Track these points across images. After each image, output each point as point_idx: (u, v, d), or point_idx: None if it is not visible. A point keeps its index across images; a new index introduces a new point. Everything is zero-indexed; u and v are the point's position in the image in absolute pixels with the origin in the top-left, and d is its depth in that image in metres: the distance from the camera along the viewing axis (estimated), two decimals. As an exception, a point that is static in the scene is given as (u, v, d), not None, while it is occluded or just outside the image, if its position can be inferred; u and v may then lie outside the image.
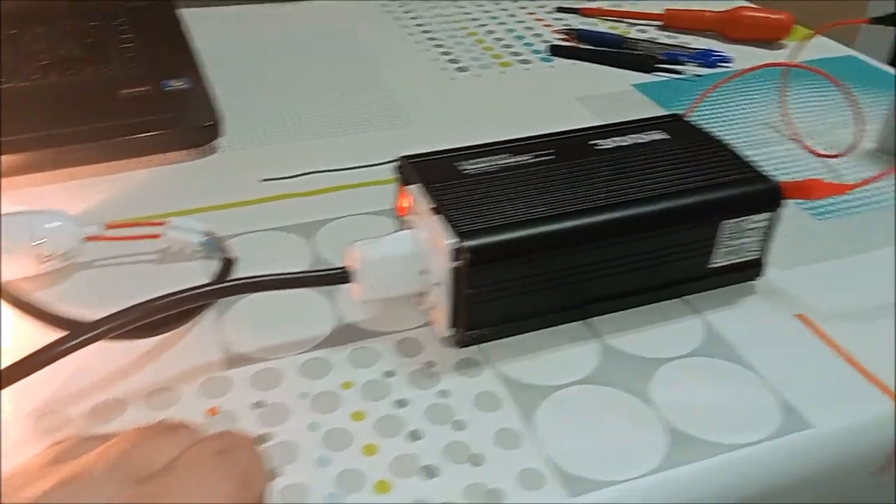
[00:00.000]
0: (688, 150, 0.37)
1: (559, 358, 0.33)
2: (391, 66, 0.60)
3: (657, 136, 0.38)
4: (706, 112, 0.54)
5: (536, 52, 0.63)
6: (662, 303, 0.36)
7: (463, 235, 0.31)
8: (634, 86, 0.58)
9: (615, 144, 0.37)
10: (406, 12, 0.71)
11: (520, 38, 0.66)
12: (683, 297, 0.36)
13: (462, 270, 0.31)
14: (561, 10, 0.71)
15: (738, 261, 0.36)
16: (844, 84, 0.50)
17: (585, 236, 0.32)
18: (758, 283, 0.37)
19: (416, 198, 0.34)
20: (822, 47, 0.64)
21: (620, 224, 0.33)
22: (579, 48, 0.63)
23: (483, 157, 0.36)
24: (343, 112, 0.53)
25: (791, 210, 0.43)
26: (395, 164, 0.36)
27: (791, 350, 0.34)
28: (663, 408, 0.31)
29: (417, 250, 0.32)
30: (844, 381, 0.32)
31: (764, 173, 0.35)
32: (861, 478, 0.32)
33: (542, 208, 0.33)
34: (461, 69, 0.60)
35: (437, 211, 0.32)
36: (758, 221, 0.35)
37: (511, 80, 0.58)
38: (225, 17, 0.68)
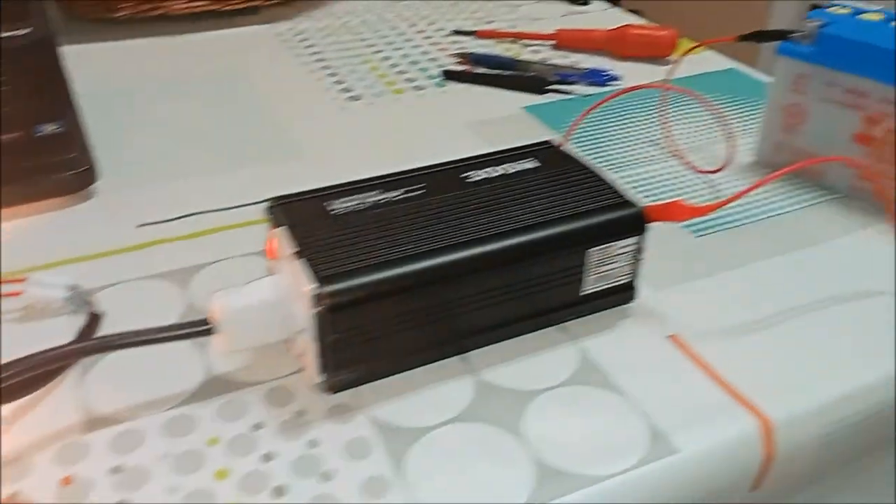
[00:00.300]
0: (555, 178, 0.37)
1: (433, 396, 0.33)
2: (281, 98, 0.59)
3: (527, 164, 0.38)
4: (593, 132, 0.55)
5: (431, 77, 0.63)
6: (539, 331, 0.36)
7: (323, 280, 0.30)
8: (525, 108, 0.58)
9: (484, 176, 0.37)
10: (302, 41, 0.70)
11: (415, 63, 0.66)
12: (559, 325, 0.37)
13: (324, 316, 0.30)
14: (457, 32, 0.72)
15: (609, 286, 0.36)
16: (710, 101, 0.51)
17: (451, 272, 0.32)
18: (634, 305, 0.38)
19: (281, 241, 0.33)
20: (707, 61, 0.66)
21: (486, 258, 0.33)
22: (471, 72, 0.63)
23: (352, 195, 0.35)
24: (229, 148, 0.52)
25: (671, 228, 0.44)
26: (265, 205, 0.35)
27: (662, 373, 0.34)
28: (533, 442, 0.31)
29: (280, 297, 0.31)
30: (712, 401, 0.33)
31: (629, 198, 0.36)
32: (739, 496, 0.33)
33: (407, 246, 0.32)
34: (353, 98, 0.60)
35: (299, 255, 0.32)
36: (625, 246, 0.35)
37: (403, 108, 0.58)
38: (111, 53, 0.67)
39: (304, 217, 0.34)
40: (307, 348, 0.32)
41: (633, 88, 0.47)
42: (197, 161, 0.50)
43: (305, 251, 0.32)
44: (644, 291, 0.39)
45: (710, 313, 0.38)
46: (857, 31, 0.43)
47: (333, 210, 0.34)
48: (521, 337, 0.36)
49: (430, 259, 0.32)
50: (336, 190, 0.36)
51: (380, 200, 0.35)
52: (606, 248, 0.35)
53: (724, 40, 0.48)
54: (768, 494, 0.35)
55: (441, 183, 0.37)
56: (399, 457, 0.30)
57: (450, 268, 0.32)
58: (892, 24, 0.44)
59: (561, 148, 0.40)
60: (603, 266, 0.35)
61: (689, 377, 0.34)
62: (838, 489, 0.39)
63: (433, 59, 0.67)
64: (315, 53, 0.68)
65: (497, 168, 0.38)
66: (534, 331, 0.36)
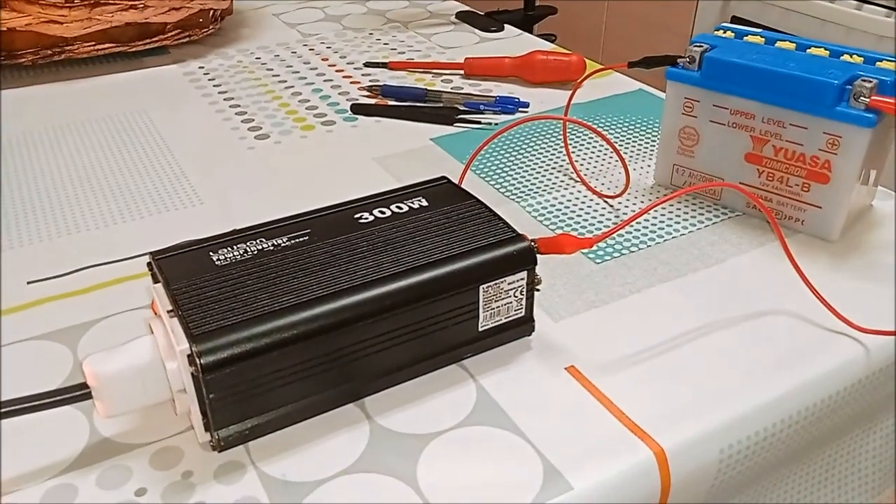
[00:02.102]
0: (447, 215, 0.37)
1: (327, 448, 0.32)
2: (186, 141, 0.58)
3: (419, 202, 0.38)
4: (499, 161, 0.55)
5: (341, 111, 0.63)
6: (439, 371, 0.36)
7: (196, 339, 0.29)
8: (434, 140, 0.58)
9: (375, 217, 0.37)
10: (211, 80, 0.69)
11: (325, 98, 0.66)
12: (459, 363, 0.36)
13: (200, 376, 0.29)
14: (368, 65, 0.72)
15: (505, 320, 0.36)
16: (602, 132, 0.52)
17: (338, 319, 0.32)
18: (533, 337, 0.38)
19: (159, 297, 0.32)
20: (616, 84, 0.67)
21: (374, 302, 0.32)
22: (380, 105, 0.63)
23: (236, 244, 0.35)
24: (127, 196, 0.51)
25: (570, 256, 0.44)
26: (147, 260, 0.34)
27: (557, 407, 0.34)
28: (426, 490, 0.30)
29: (155, 358, 0.30)
30: (607, 433, 0.33)
31: (518, 233, 0.36)
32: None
33: (289, 296, 0.32)
34: (261, 137, 0.59)
35: (174, 312, 0.31)
36: (516, 281, 0.35)
37: (312, 145, 0.58)
38: (10, 100, 0.65)
39: (185, 270, 0.33)
40: (191, 407, 0.31)
41: (526, 120, 0.47)
42: (92, 212, 0.49)
43: (180, 307, 0.31)
44: (543, 323, 0.39)
45: (606, 342, 0.38)
46: (739, 53, 0.44)
47: (216, 261, 0.34)
48: (419, 378, 0.35)
49: (314, 308, 0.31)
50: (219, 240, 0.35)
51: (264, 248, 0.34)
52: (498, 283, 0.35)
53: (617, 67, 0.48)
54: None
55: (330, 226, 0.36)
56: (288, 515, 0.29)
57: (336, 315, 0.32)
58: (774, 45, 0.45)
59: (456, 183, 0.40)
60: (497, 301, 0.35)
61: (585, 409, 0.34)
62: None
63: (344, 93, 0.66)
64: (224, 92, 0.67)
65: (388, 208, 0.38)
66: (430, 371, 0.36)
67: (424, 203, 0.38)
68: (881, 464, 0.44)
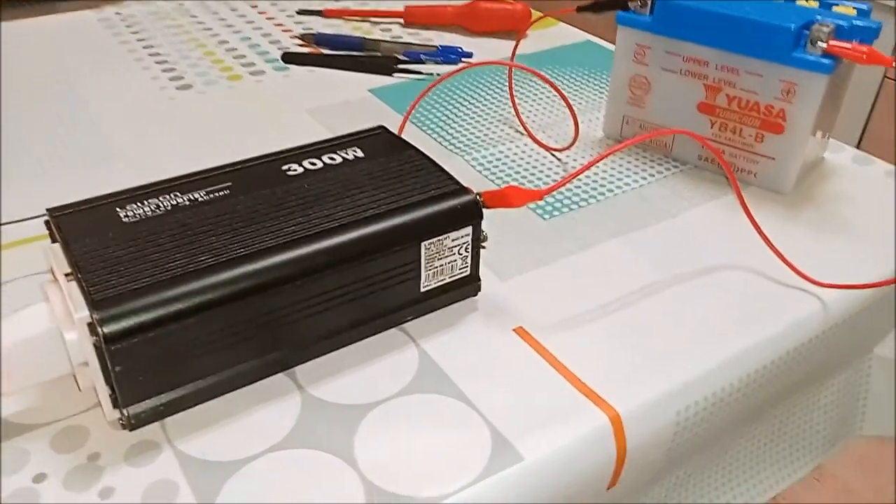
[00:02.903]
0: (385, 167, 0.34)
1: (253, 423, 0.29)
2: (101, 92, 0.53)
3: (354, 153, 0.35)
4: (442, 113, 0.52)
5: (271, 61, 0.59)
6: (378, 336, 0.33)
7: (97, 305, 0.26)
8: (371, 91, 0.54)
9: (305, 169, 0.34)
10: (129, 27, 0.64)
11: (255, 46, 0.61)
12: (400, 327, 0.34)
13: (102, 347, 0.26)
14: (302, 12, 0.67)
15: (450, 280, 0.34)
16: (550, 79, 0.49)
17: (261, 281, 0.28)
18: (479, 297, 0.35)
19: (57, 259, 0.28)
20: (562, 35, 0.65)
21: (302, 261, 0.29)
22: (314, 54, 0.59)
23: (146, 199, 0.31)
24: (37, 152, 0.46)
25: (519, 212, 0.42)
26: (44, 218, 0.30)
27: (505, 371, 0.32)
28: (364, 466, 0.28)
29: (53, 327, 0.27)
30: (560, 399, 0.31)
31: (462, 186, 0.33)
32: (596, 495, 0.31)
33: (206, 255, 0.28)
34: (183, 87, 0.54)
35: (72, 276, 0.27)
36: (460, 237, 0.33)
37: (239, 96, 0.53)
38: None
39: (88, 228, 0.29)
40: (96, 382, 0.28)
41: (471, 66, 0.44)
42: (-7, 167, 0.44)
43: (82, 270, 0.27)
44: (490, 282, 0.36)
45: (556, 301, 0.35)
46: (693, -3, 0.42)
47: (124, 218, 0.30)
48: (356, 344, 0.33)
49: (234, 268, 0.28)
50: (128, 195, 0.31)
51: (179, 204, 0.31)
52: (441, 239, 0.32)
53: (564, 12, 0.46)
54: (628, 489, 0.33)
55: (254, 179, 0.33)
56: (211, 498, 0.26)
57: (259, 276, 0.28)
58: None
59: (394, 132, 0.37)
60: (440, 259, 0.33)
61: (535, 373, 0.32)
62: (704, 469, 0.38)
63: (275, 42, 0.62)
64: (143, 40, 0.61)
65: (320, 159, 0.34)
66: (368, 336, 0.33)
67: (360, 154, 0.35)
68: (833, 419, 0.44)
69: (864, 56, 0.38)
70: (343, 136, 0.36)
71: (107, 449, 0.28)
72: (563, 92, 0.47)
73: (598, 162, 0.32)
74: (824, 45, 0.38)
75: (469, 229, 0.33)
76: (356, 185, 0.33)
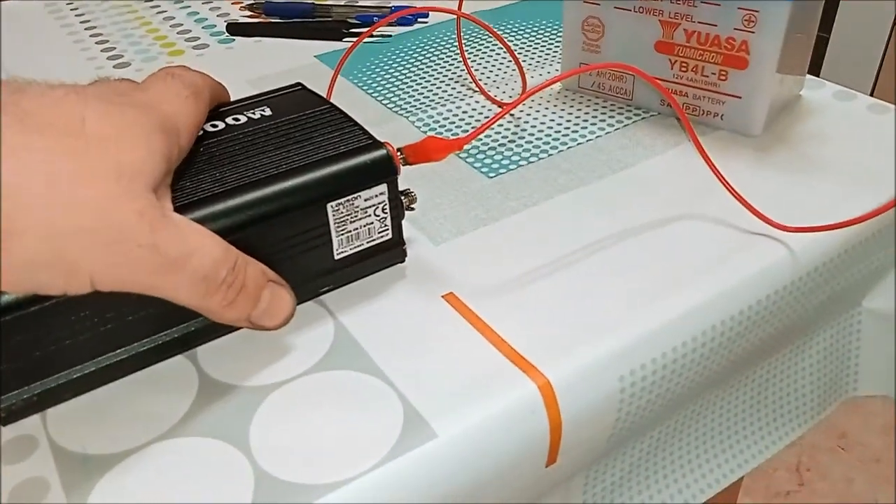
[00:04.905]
0: (292, 124, 0.31)
1: (142, 411, 0.26)
2: (24, 70, 0.50)
3: (261, 112, 0.32)
4: (390, 73, 0.48)
5: (217, 34, 0.56)
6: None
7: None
8: (318, 57, 0.51)
9: (204, 131, 0.30)
10: (68, 3, 0.61)
11: (201, 20, 0.58)
12: (317, 300, 0.31)
13: (-46, 332, 0.23)
14: (254, -17, 0.64)
15: (367, 245, 0.30)
16: (497, 32, 0.46)
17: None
18: (409, 264, 0.32)
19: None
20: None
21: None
22: (260, 23, 0.56)
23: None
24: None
25: (461, 171, 0.38)
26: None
27: (430, 342, 0.28)
28: (259, 452, 0.25)
29: None
30: (484, 368, 0.27)
31: (375, 140, 0.30)
32: (535, 472, 0.28)
33: (76, 228, 0.25)
34: (121, 66, 0.51)
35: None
36: (374, 196, 0.29)
37: (178, 70, 0.50)
38: None
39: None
40: (-38, 373, 0.25)
41: (403, 13, 0.41)
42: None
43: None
44: (422, 247, 0.33)
45: (492, 265, 0.32)
46: (642, -76, 0.38)
47: (-4, 193, 0.27)
48: (267, 320, 0.30)
49: (106, 240, 0.25)
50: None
51: (57, 174, 0.28)
52: (351, 200, 0.29)
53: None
54: (576, 464, 0.30)
55: (147, 144, 0.30)
56: (83, 496, 0.24)
57: (136, 248, 0.25)
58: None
59: (314, 91, 0.34)
60: (354, 222, 0.29)
61: (460, 342, 0.28)
62: (673, 438, 0.35)
63: (224, 15, 0.59)
64: (86, 22, 0.59)
65: (223, 121, 0.31)
66: (279, 311, 0.30)
67: (268, 112, 0.32)
68: (820, 381, 0.40)
69: (829, -27, 0.34)
70: (253, 96, 0.33)
71: (-22, 446, 0.25)
72: (506, 42, 0.44)
73: (518, 104, 0.29)
74: (784, -35, 0.34)
75: (383, 187, 0.29)
76: (257, 145, 0.29)
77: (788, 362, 0.38)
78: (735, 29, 0.37)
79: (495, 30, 0.43)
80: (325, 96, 0.34)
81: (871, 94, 1.30)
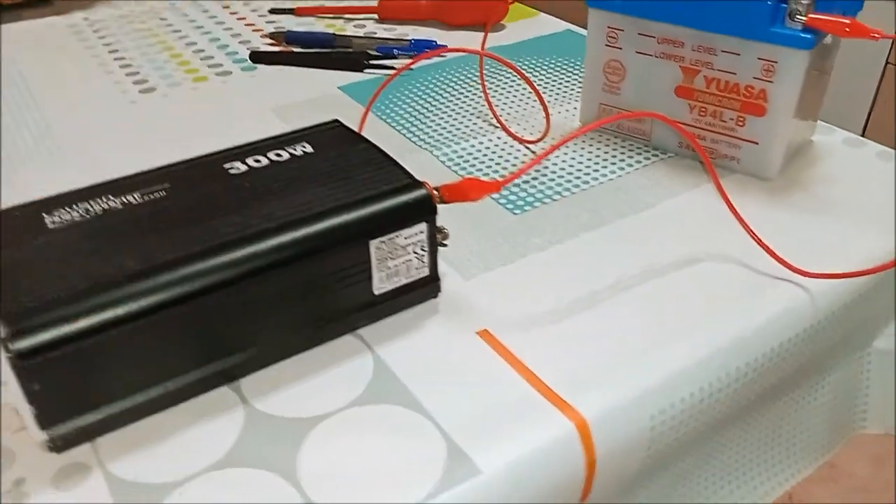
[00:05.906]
0: (333, 162, 0.32)
1: (190, 441, 0.27)
2: (55, 95, 0.51)
3: (303, 149, 0.33)
4: (412, 107, 0.50)
5: (239, 61, 0.57)
6: (331, 343, 0.31)
7: (8, 318, 0.24)
8: (341, 88, 0.53)
9: (249, 166, 0.32)
10: (96, 31, 0.62)
11: (224, 47, 0.59)
12: (355, 333, 0.32)
13: (19, 363, 0.24)
14: (274, 11, 0.65)
15: (406, 281, 0.32)
16: (519, 68, 0.47)
17: (196, 287, 0.26)
18: (440, 299, 0.33)
19: (-26, 271, 0.26)
20: (542, 24, 0.62)
21: (238, 264, 0.27)
22: (282, 52, 0.57)
23: (75, 203, 0.29)
24: (-15, 160, 0.44)
25: (486, 208, 0.39)
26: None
27: (467, 378, 0.29)
28: (307, 483, 0.25)
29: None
30: (522, 406, 0.28)
31: (415, 180, 0.31)
32: (566, 505, 0.29)
33: (132, 262, 0.26)
34: (146, 90, 0.52)
35: (-15, 288, 0.25)
36: (414, 234, 0.31)
37: (203, 97, 0.51)
38: None
39: (9, 235, 0.27)
40: (18, 401, 0.26)
41: (435, 53, 0.42)
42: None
43: (-1, 281, 0.25)
44: (452, 282, 0.34)
45: (523, 301, 0.33)
46: (666, -25, 0.40)
47: (51, 224, 0.28)
48: (306, 353, 0.30)
49: (164, 274, 0.26)
50: (57, 199, 0.29)
51: (111, 208, 0.29)
52: (392, 238, 0.30)
53: (534, -4, 0.43)
54: (606, 498, 0.31)
55: (193, 179, 0.31)
56: (138, 524, 0.24)
57: (192, 282, 0.26)
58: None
59: (350, 127, 0.35)
60: (393, 259, 0.30)
61: (497, 379, 0.29)
62: (692, 474, 0.36)
63: (245, 42, 0.60)
64: (109, 45, 0.60)
65: (265, 156, 0.32)
66: (318, 344, 0.31)
67: (309, 149, 0.33)
68: (831, 419, 0.41)
69: (847, 29, 0.35)
70: (294, 132, 0.34)
71: (33, 473, 0.26)
72: (530, 79, 0.45)
73: (557, 148, 0.30)
74: (804, 19, 0.36)
75: (423, 226, 0.31)
76: (300, 182, 0.31)
77: (801, 400, 0.40)
78: (754, 78, 0.38)
79: (516, 65, 0.45)
80: (357, 131, 0.35)
81: (863, 133, 1.33)
